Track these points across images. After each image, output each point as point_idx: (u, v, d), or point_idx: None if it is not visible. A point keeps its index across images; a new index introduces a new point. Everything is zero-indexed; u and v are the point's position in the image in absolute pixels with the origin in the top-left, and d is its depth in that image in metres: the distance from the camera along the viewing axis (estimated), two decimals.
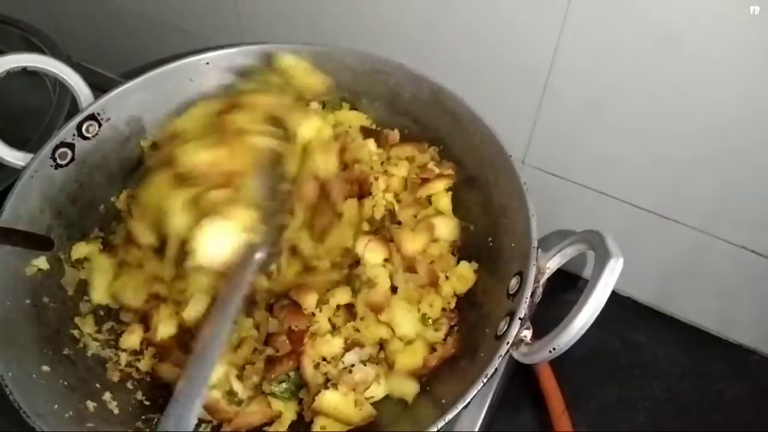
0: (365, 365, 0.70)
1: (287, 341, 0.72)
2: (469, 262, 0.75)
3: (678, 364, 0.89)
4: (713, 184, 0.76)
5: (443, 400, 0.61)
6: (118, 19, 1.07)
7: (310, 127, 0.74)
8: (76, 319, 0.73)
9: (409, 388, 0.70)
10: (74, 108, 0.79)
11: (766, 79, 0.65)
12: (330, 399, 0.67)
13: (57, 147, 0.74)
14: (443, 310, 0.74)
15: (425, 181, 0.80)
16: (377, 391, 0.69)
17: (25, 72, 0.77)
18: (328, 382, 0.69)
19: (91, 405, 0.67)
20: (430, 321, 0.73)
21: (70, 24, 1.14)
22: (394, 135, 0.83)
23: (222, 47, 0.82)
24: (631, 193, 0.83)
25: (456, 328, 0.73)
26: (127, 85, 0.79)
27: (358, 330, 0.72)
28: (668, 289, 0.91)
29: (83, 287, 0.76)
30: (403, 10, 0.80)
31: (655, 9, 0.65)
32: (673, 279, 0.89)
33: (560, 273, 0.68)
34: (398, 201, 0.81)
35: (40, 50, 0.98)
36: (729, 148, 0.72)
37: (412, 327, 0.72)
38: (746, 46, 0.63)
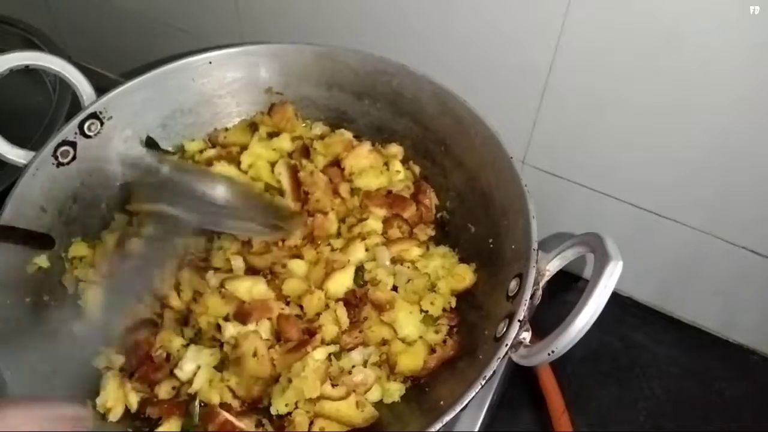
0: (366, 367, 0.70)
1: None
2: (470, 263, 0.75)
3: (678, 364, 0.89)
4: (713, 184, 0.76)
5: (441, 402, 0.62)
6: (118, 19, 1.07)
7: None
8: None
9: (406, 390, 0.70)
10: (74, 108, 0.79)
11: (766, 79, 0.65)
12: (331, 402, 0.67)
13: (59, 145, 0.74)
14: (444, 310, 0.74)
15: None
16: (376, 393, 0.70)
17: (25, 72, 0.76)
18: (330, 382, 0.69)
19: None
20: (432, 320, 0.73)
21: (70, 24, 1.14)
22: None
23: (224, 46, 0.82)
24: (631, 193, 0.83)
25: (456, 330, 0.73)
26: (129, 84, 0.79)
27: (361, 331, 0.72)
28: (668, 289, 0.91)
29: None
30: (403, 10, 0.80)
31: (654, 9, 0.65)
32: (673, 279, 0.89)
33: (560, 273, 0.68)
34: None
35: (40, 50, 0.97)
36: (729, 147, 0.72)
37: (415, 328, 0.72)
38: (746, 46, 0.63)
